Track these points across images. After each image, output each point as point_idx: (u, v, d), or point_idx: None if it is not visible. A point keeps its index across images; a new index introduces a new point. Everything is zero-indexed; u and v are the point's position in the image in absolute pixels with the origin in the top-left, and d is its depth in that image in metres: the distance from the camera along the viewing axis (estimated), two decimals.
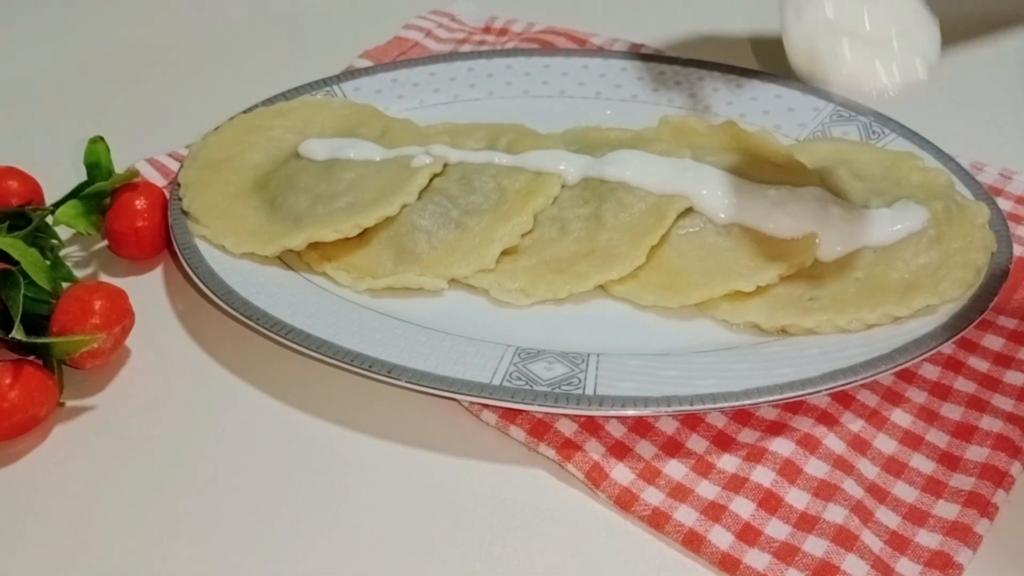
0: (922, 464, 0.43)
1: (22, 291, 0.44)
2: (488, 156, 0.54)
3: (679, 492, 0.41)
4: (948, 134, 0.56)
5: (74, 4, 0.78)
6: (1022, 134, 0.61)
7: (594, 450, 0.43)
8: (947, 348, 0.46)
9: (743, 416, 0.44)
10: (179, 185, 0.54)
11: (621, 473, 0.42)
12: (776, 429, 0.44)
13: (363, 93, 0.61)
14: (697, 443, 0.43)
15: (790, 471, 0.42)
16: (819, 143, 0.57)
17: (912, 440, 0.43)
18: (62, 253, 0.53)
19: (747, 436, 0.43)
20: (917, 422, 0.44)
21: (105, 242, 0.54)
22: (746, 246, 0.49)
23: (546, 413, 0.44)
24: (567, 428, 0.44)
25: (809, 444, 0.43)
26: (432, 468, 0.43)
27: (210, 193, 0.53)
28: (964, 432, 0.44)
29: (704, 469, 0.42)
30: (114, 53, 0.72)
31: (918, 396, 0.45)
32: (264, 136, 0.57)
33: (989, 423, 0.44)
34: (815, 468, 0.42)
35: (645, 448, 0.43)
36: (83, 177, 0.53)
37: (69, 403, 0.46)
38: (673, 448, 0.43)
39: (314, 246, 0.50)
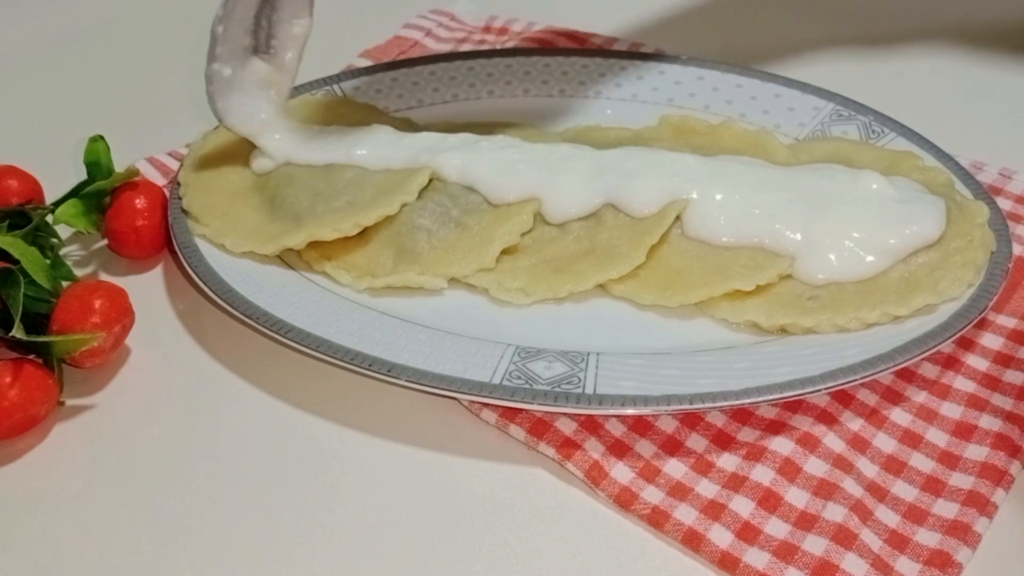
0: (921, 463, 0.43)
1: (22, 290, 0.44)
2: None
3: (679, 491, 0.41)
4: (948, 134, 0.56)
5: (75, 3, 0.78)
6: (1022, 134, 0.61)
7: (594, 449, 0.43)
8: (946, 347, 0.46)
9: (743, 415, 0.44)
10: (179, 184, 0.54)
11: (621, 472, 0.42)
12: (775, 428, 0.44)
13: (363, 92, 0.61)
14: (697, 442, 0.43)
15: (789, 470, 0.42)
16: (819, 142, 0.57)
17: (911, 439, 0.44)
18: (62, 252, 0.53)
19: (746, 435, 0.43)
20: (916, 421, 0.44)
21: (105, 241, 0.54)
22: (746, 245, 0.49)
23: (546, 412, 0.44)
24: (567, 427, 0.44)
25: (808, 443, 0.43)
26: (432, 467, 0.43)
27: (210, 192, 0.53)
28: (963, 431, 0.44)
29: (704, 468, 0.42)
30: (114, 52, 0.72)
31: (917, 395, 0.45)
32: None
33: (988, 422, 0.44)
34: (814, 467, 0.42)
35: (645, 447, 0.43)
36: (83, 176, 0.53)
37: (69, 402, 0.46)
38: (673, 447, 0.43)
39: (314, 245, 0.50)
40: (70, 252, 0.54)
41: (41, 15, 0.77)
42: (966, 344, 0.47)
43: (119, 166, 0.53)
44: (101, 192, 0.52)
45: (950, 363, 0.47)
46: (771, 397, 0.42)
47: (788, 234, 0.48)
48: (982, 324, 0.48)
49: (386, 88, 0.62)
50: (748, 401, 0.42)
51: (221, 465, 0.44)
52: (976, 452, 0.43)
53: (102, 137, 0.53)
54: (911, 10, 0.74)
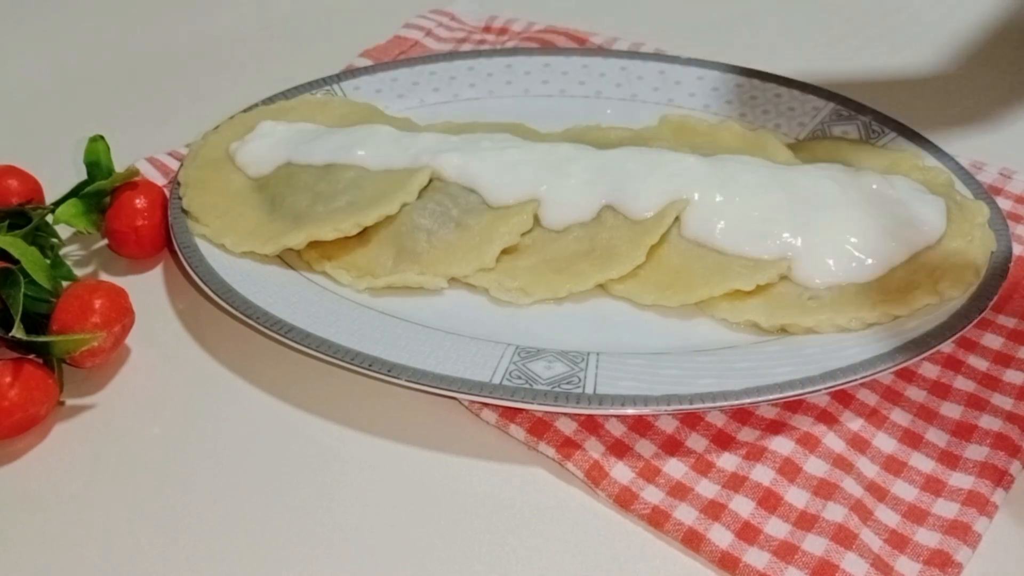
0: (921, 463, 0.43)
1: (22, 290, 0.44)
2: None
3: (679, 491, 0.41)
4: (948, 134, 0.56)
5: (74, 3, 0.78)
6: (1022, 134, 0.61)
7: (594, 449, 0.43)
8: (946, 347, 0.46)
9: (743, 415, 0.44)
10: (179, 184, 0.54)
11: (621, 472, 0.42)
12: (776, 428, 0.44)
13: (363, 92, 0.61)
14: (697, 442, 0.43)
15: (789, 470, 0.42)
16: (819, 142, 0.57)
17: (911, 439, 0.44)
18: (62, 252, 0.53)
19: (747, 435, 0.43)
20: (916, 421, 0.44)
21: (105, 241, 0.54)
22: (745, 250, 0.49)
23: (546, 412, 0.44)
24: (567, 427, 0.44)
25: (808, 443, 0.43)
26: (432, 467, 0.43)
27: (210, 192, 0.53)
28: (963, 431, 0.44)
29: (704, 468, 0.42)
30: (114, 52, 0.72)
31: (917, 395, 0.45)
32: None
33: (988, 422, 0.44)
34: (814, 467, 0.42)
35: (645, 447, 0.43)
36: (83, 176, 0.53)
37: (69, 402, 0.46)
38: (673, 447, 0.43)
39: (314, 245, 0.50)
40: (70, 252, 0.54)
41: (42, 15, 0.77)
42: (966, 344, 0.47)
43: (119, 166, 0.53)
44: (101, 192, 0.52)
45: (950, 363, 0.47)
46: (771, 397, 0.42)
47: (787, 238, 0.48)
48: (982, 324, 0.48)
49: (386, 88, 0.62)
50: (748, 401, 0.42)
51: (221, 465, 0.44)
52: (976, 452, 0.43)
53: (102, 137, 0.53)
54: (911, 9, 0.74)
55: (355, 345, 0.45)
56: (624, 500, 0.41)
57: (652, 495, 0.41)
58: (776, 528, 0.40)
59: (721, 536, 0.40)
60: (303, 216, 0.51)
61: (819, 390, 0.42)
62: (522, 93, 0.62)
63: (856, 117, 0.58)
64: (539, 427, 0.44)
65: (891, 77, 0.66)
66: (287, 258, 0.52)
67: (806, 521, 0.40)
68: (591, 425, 0.44)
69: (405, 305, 0.49)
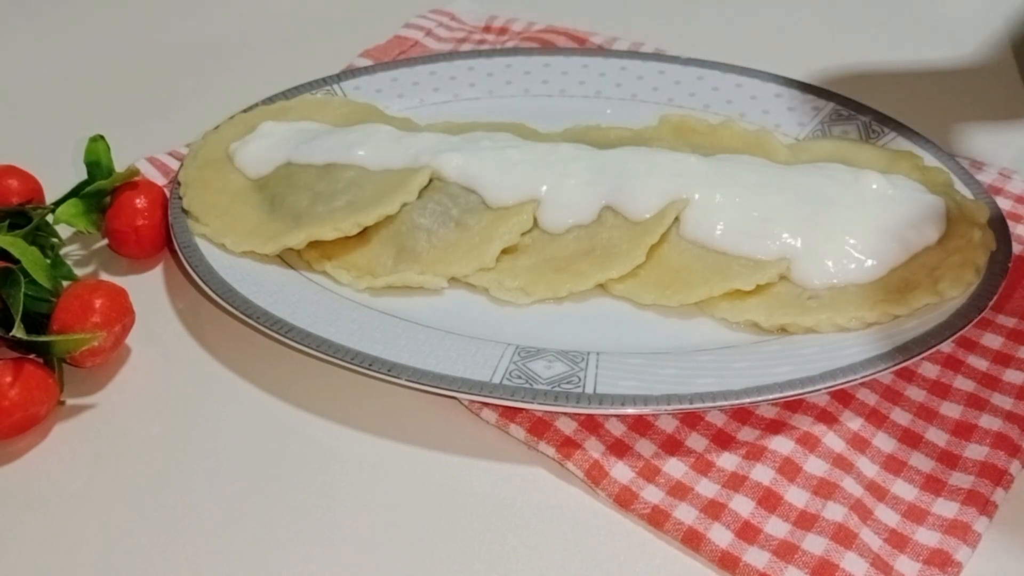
0: (921, 463, 0.43)
1: (23, 289, 0.44)
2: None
3: (679, 490, 0.41)
4: (948, 134, 0.56)
5: (74, 4, 0.78)
6: (1022, 134, 0.61)
7: (594, 448, 0.43)
8: (946, 347, 0.46)
9: (742, 414, 0.44)
10: (179, 184, 0.54)
11: (621, 471, 0.42)
12: (775, 427, 0.44)
13: (363, 92, 0.61)
14: (697, 441, 0.43)
15: (789, 469, 0.42)
16: (819, 142, 0.57)
17: (911, 439, 0.44)
18: (62, 252, 0.53)
19: (746, 434, 0.43)
20: (916, 421, 0.44)
21: (105, 241, 0.54)
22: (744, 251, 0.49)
23: (546, 411, 0.44)
24: (567, 426, 0.44)
25: (808, 442, 0.43)
26: (432, 466, 0.43)
27: (210, 192, 0.53)
28: (963, 431, 0.44)
29: (703, 467, 0.42)
30: (114, 52, 0.72)
31: (917, 395, 0.45)
32: None
33: (988, 422, 0.44)
34: (814, 466, 0.42)
35: (645, 446, 0.43)
36: (83, 176, 0.53)
37: (69, 401, 0.46)
38: (673, 446, 0.43)
39: (314, 244, 0.51)
40: (70, 252, 0.54)
41: (42, 15, 0.77)
42: (966, 344, 0.47)
43: (119, 166, 0.53)
44: (101, 192, 0.52)
45: (950, 363, 0.47)
46: (771, 397, 0.42)
47: (787, 238, 0.48)
48: (982, 324, 0.48)
49: (386, 87, 0.62)
50: (748, 401, 0.42)
51: (221, 465, 0.44)
52: (976, 451, 0.43)
53: (102, 137, 0.53)
54: (911, 9, 0.74)
55: (355, 345, 0.45)
56: (624, 500, 0.41)
57: (652, 495, 0.41)
58: (776, 528, 0.40)
59: (721, 536, 0.40)
60: (303, 216, 0.51)
61: (819, 390, 0.42)
62: (522, 93, 0.62)
63: (856, 117, 0.58)
64: (539, 427, 0.44)
65: (891, 76, 0.66)
66: (287, 258, 0.52)
67: (806, 521, 0.40)
68: (591, 425, 0.44)
69: (405, 305, 0.49)
